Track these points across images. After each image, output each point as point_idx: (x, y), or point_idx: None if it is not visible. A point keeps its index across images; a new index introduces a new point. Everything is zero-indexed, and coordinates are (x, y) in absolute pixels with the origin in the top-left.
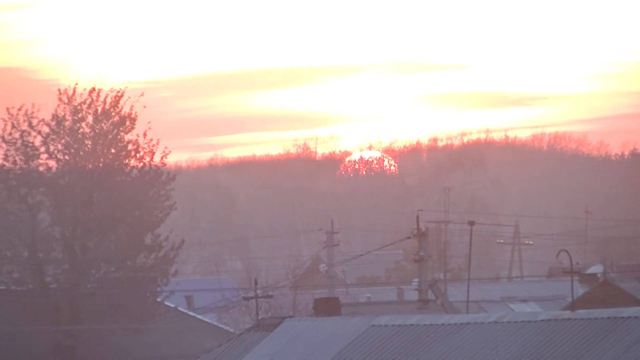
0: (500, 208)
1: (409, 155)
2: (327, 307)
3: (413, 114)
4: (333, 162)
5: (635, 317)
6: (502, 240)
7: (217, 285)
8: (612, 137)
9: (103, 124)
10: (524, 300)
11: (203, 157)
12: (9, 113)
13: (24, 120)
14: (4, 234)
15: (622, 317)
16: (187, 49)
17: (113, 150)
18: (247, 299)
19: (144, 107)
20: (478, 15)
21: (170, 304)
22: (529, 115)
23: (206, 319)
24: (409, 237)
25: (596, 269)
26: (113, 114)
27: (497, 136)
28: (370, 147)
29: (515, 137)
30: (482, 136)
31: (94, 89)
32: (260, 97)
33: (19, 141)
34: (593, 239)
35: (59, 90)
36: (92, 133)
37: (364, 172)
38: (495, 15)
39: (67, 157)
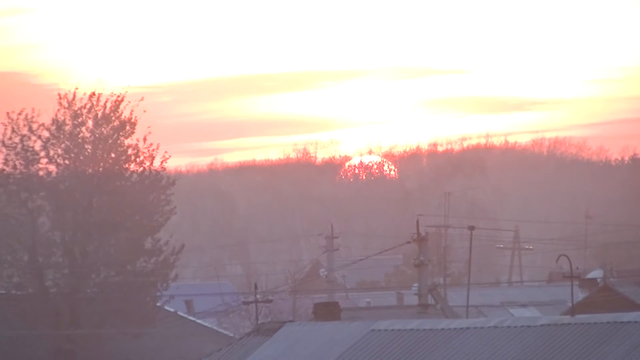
0: (500, 213)
1: (409, 160)
2: (327, 311)
3: (413, 118)
4: (333, 166)
5: (635, 322)
6: (502, 245)
7: (217, 290)
8: (612, 142)
9: (103, 129)
10: (523, 305)
11: (203, 161)
12: (9, 117)
13: (24, 125)
14: (4, 238)
15: (622, 322)
16: (187, 54)
17: (113, 155)
18: (246, 303)
19: (144, 111)
20: (478, 20)
21: (170, 308)
22: (529, 120)
23: (206, 324)
24: (408, 242)
25: (596, 273)
26: (113, 118)
27: (497, 141)
28: (370, 152)
29: (515, 142)
30: (482, 141)
31: (94, 93)
32: (261, 101)
33: (19, 146)
34: (593, 243)
35: (59, 94)
36: (92, 137)
37: (364, 177)
38: (495, 20)
39: (67, 162)
